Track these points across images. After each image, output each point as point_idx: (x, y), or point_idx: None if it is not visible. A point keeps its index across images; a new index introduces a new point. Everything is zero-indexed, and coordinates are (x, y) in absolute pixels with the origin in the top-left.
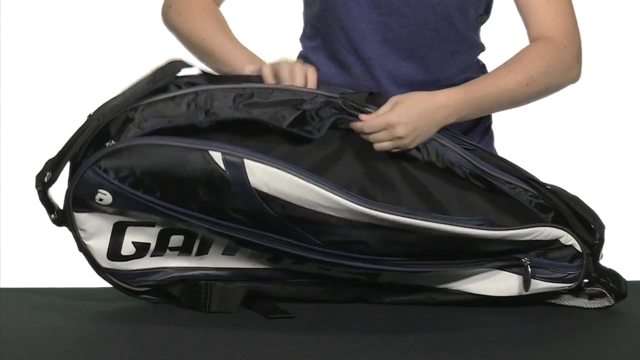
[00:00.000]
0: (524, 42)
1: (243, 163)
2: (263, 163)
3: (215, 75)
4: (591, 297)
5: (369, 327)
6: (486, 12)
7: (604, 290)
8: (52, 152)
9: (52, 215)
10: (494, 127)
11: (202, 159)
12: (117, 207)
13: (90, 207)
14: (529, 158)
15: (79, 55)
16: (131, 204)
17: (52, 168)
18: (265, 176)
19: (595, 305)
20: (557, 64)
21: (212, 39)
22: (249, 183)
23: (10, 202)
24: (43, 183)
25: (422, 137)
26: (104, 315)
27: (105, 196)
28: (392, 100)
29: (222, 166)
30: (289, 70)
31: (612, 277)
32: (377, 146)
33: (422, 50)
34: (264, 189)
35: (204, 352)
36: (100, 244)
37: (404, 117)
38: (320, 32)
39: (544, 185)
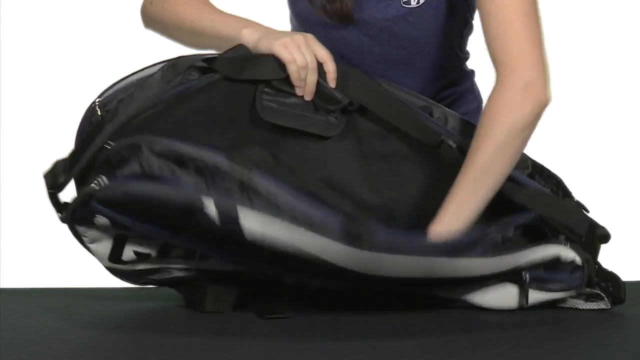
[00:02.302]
0: None
1: (238, 220)
2: (260, 217)
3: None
4: (588, 298)
5: (368, 328)
6: (466, 27)
7: (602, 294)
8: (51, 153)
9: (61, 214)
10: None
11: (198, 209)
12: (115, 227)
13: (90, 223)
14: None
15: (79, 55)
16: (129, 228)
17: (65, 171)
18: (262, 229)
19: (591, 307)
20: (508, 110)
21: (200, 18)
22: (245, 237)
23: (10, 202)
24: (56, 185)
25: None
26: (104, 315)
27: (102, 220)
28: None
29: (217, 218)
30: (301, 54)
31: (612, 282)
32: None
33: (397, 79)
34: (259, 239)
35: (204, 353)
36: (102, 249)
37: None
38: None
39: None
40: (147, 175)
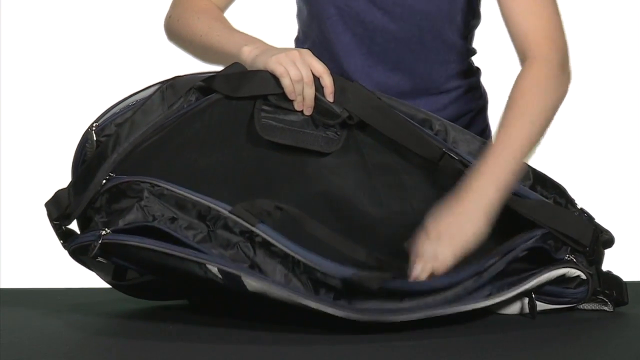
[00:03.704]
0: None
1: (240, 278)
2: (261, 281)
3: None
4: (591, 300)
5: (369, 328)
6: (474, 16)
7: (606, 300)
8: (51, 153)
9: (64, 242)
10: (492, 126)
11: (199, 268)
12: (116, 264)
13: (93, 258)
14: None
15: (80, 56)
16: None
17: (72, 203)
18: (262, 287)
19: (594, 308)
20: (548, 87)
21: (209, 33)
22: (247, 289)
23: (10, 203)
24: (62, 217)
25: (457, 238)
26: (104, 315)
27: (104, 260)
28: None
29: (220, 275)
30: (295, 68)
31: (615, 287)
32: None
33: (408, 62)
34: (260, 292)
35: (204, 353)
36: (104, 270)
37: (433, 249)
38: (309, 38)
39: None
40: (148, 226)
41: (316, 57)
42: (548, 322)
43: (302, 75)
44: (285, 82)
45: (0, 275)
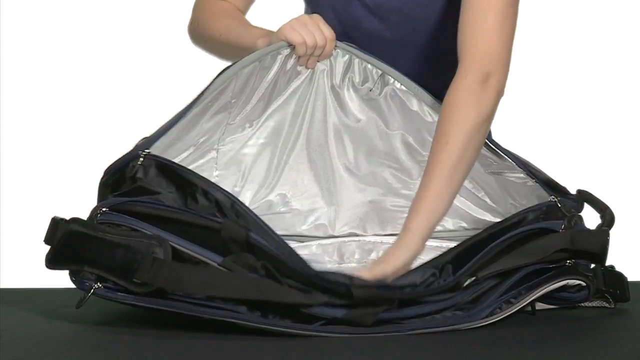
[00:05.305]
0: (524, 50)
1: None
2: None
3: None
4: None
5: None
6: None
7: (607, 296)
8: (51, 152)
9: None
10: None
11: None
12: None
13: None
14: (529, 158)
15: (80, 56)
16: None
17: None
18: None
19: (595, 304)
20: (466, 104)
21: (227, 31)
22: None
23: (10, 203)
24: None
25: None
26: (104, 315)
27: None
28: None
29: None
30: (309, 32)
31: (617, 284)
32: None
33: (406, 66)
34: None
35: (203, 352)
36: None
37: None
38: None
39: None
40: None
41: (325, 21)
42: (549, 321)
43: (316, 40)
44: (300, 51)
45: (0, 275)
